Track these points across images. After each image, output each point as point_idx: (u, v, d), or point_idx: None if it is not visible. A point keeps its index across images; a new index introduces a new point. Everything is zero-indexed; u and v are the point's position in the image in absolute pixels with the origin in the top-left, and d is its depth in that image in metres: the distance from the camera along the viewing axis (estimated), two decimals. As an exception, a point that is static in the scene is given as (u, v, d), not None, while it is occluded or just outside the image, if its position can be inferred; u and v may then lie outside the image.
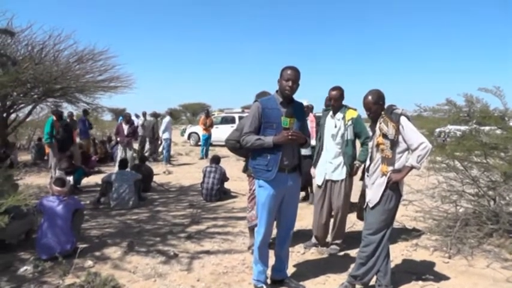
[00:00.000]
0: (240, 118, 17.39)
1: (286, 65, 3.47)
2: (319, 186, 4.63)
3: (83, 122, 12.21)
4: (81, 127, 12.25)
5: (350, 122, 4.41)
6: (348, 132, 4.41)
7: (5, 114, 9.14)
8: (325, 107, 5.47)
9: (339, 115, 4.48)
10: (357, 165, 4.47)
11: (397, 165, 3.34)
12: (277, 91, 3.53)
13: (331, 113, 4.57)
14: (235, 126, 6.17)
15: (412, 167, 3.29)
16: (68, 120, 11.29)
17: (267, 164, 3.40)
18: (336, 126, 4.46)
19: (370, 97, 3.40)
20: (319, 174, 4.61)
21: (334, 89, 4.50)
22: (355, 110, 4.50)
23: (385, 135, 3.31)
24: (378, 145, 3.39)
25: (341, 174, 4.45)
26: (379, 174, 3.41)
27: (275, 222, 3.73)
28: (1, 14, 7.75)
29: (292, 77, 3.38)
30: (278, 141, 3.33)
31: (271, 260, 3.79)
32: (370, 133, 3.62)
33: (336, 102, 4.49)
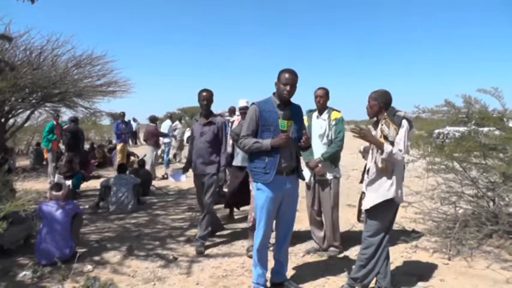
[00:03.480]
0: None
1: (283, 68, 3.46)
2: (308, 186, 4.63)
3: (117, 125, 11.87)
4: (115, 131, 11.95)
5: (334, 122, 4.46)
6: (332, 132, 4.45)
7: (3, 120, 9.12)
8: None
9: (325, 115, 4.52)
10: (317, 160, 4.43)
11: (391, 169, 3.35)
12: (274, 93, 3.53)
13: (316, 113, 4.59)
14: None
15: (384, 151, 3.24)
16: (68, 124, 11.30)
17: (264, 166, 3.40)
18: (322, 127, 4.49)
19: (373, 93, 3.46)
20: (307, 174, 4.58)
21: (320, 88, 4.55)
22: (339, 111, 4.56)
23: (386, 137, 3.32)
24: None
25: (330, 174, 4.47)
26: (378, 175, 3.40)
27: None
28: (-1, 20, 7.75)
29: (290, 81, 3.38)
30: (276, 144, 3.33)
31: (271, 263, 3.78)
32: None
33: (322, 100, 4.51)
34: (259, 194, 3.48)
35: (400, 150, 3.23)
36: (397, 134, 3.28)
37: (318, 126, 4.53)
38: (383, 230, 3.42)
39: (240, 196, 5.67)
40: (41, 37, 8.88)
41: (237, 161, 5.59)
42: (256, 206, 3.54)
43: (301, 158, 3.87)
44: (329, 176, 4.48)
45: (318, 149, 4.49)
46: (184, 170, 5.39)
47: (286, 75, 3.39)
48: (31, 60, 8.71)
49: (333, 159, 4.46)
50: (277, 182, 3.42)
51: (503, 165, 4.72)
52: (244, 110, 5.84)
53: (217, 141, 4.83)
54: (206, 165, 4.80)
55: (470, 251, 4.52)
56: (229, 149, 5.65)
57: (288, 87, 3.38)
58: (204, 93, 4.82)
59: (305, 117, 4.63)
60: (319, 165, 4.43)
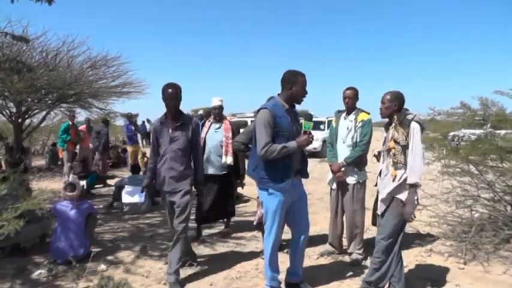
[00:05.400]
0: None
1: (297, 71, 3.45)
2: (332, 190, 4.58)
3: (127, 127, 11.95)
4: (126, 133, 12.05)
5: (360, 124, 4.31)
6: (357, 134, 4.31)
7: (20, 120, 9.23)
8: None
9: (352, 116, 4.40)
10: (340, 164, 4.33)
11: (404, 171, 3.32)
12: (278, 94, 3.51)
13: (344, 114, 4.50)
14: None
15: (414, 185, 3.25)
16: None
17: (280, 173, 3.38)
18: (348, 128, 4.38)
19: (388, 95, 3.43)
20: (330, 177, 4.55)
21: (348, 88, 4.42)
22: (369, 113, 4.41)
23: (396, 141, 3.30)
24: (389, 150, 3.38)
25: (353, 178, 4.36)
26: (390, 179, 3.38)
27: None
28: (17, 22, 7.87)
29: (306, 85, 3.43)
30: (302, 144, 3.32)
31: (286, 264, 3.77)
32: (382, 139, 3.60)
33: (350, 101, 4.39)
34: (272, 199, 3.43)
35: (417, 156, 3.22)
36: (405, 137, 3.26)
37: (344, 128, 4.42)
38: (396, 232, 3.40)
39: (219, 208, 5.31)
40: (57, 39, 8.97)
41: (205, 170, 4.97)
42: (268, 211, 3.49)
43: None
44: (352, 180, 4.36)
45: (343, 150, 4.39)
46: (145, 188, 4.29)
47: (305, 79, 3.42)
48: (47, 62, 8.80)
49: (357, 163, 4.31)
50: (288, 186, 3.41)
51: (521, 169, 4.65)
52: (218, 110, 5.30)
53: (191, 147, 3.99)
54: (178, 181, 3.89)
55: (486, 256, 4.44)
56: None
57: (306, 92, 3.44)
58: (171, 90, 3.84)
59: (333, 119, 4.58)
60: (342, 169, 4.33)
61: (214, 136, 5.21)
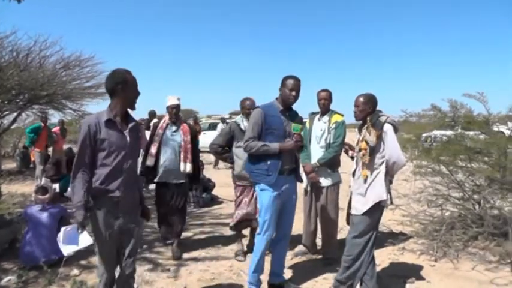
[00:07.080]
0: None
1: (288, 75, 3.58)
2: (305, 191, 4.62)
3: None
4: None
5: (334, 125, 4.34)
6: (331, 135, 4.34)
7: (-11, 122, 8.99)
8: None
9: (325, 118, 4.43)
10: (313, 165, 4.34)
11: (375, 172, 3.38)
12: (276, 99, 3.64)
13: (318, 115, 4.54)
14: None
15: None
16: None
17: (267, 168, 3.48)
18: (321, 130, 4.41)
19: (361, 98, 3.48)
20: (304, 178, 4.56)
21: (323, 90, 4.47)
22: (342, 115, 4.45)
23: (367, 142, 3.37)
24: (360, 150, 3.44)
25: (327, 180, 4.39)
26: (362, 179, 3.44)
27: None
28: (-15, 20, 7.67)
29: (295, 87, 3.52)
30: (286, 148, 3.45)
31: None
32: (354, 140, 3.66)
33: (326, 103, 4.44)
34: (264, 194, 3.54)
35: (395, 162, 3.35)
36: (376, 138, 3.32)
37: (318, 129, 4.45)
38: (369, 231, 3.45)
39: (172, 223, 4.82)
40: (28, 38, 8.76)
41: (161, 178, 4.77)
42: (262, 207, 3.58)
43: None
44: (325, 182, 4.39)
45: (316, 152, 4.40)
46: (83, 224, 2.99)
47: (292, 81, 3.51)
48: (18, 61, 8.59)
49: (330, 164, 4.34)
50: (279, 182, 3.50)
51: (488, 169, 4.80)
52: (176, 109, 4.74)
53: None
54: (134, 200, 2.99)
55: (456, 253, 4.57)
56: (149, 162, 4.66)
57: (293, 93, 3.52)
58: (130, 76, 2.86)
59: (307, 120, 4.57)
60: (315, 169, 4.34)
61: (171, 140, 4.71)
